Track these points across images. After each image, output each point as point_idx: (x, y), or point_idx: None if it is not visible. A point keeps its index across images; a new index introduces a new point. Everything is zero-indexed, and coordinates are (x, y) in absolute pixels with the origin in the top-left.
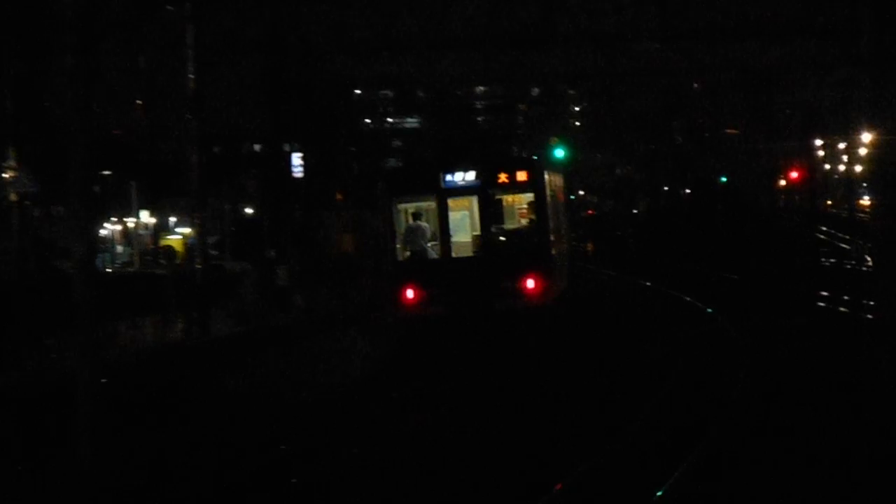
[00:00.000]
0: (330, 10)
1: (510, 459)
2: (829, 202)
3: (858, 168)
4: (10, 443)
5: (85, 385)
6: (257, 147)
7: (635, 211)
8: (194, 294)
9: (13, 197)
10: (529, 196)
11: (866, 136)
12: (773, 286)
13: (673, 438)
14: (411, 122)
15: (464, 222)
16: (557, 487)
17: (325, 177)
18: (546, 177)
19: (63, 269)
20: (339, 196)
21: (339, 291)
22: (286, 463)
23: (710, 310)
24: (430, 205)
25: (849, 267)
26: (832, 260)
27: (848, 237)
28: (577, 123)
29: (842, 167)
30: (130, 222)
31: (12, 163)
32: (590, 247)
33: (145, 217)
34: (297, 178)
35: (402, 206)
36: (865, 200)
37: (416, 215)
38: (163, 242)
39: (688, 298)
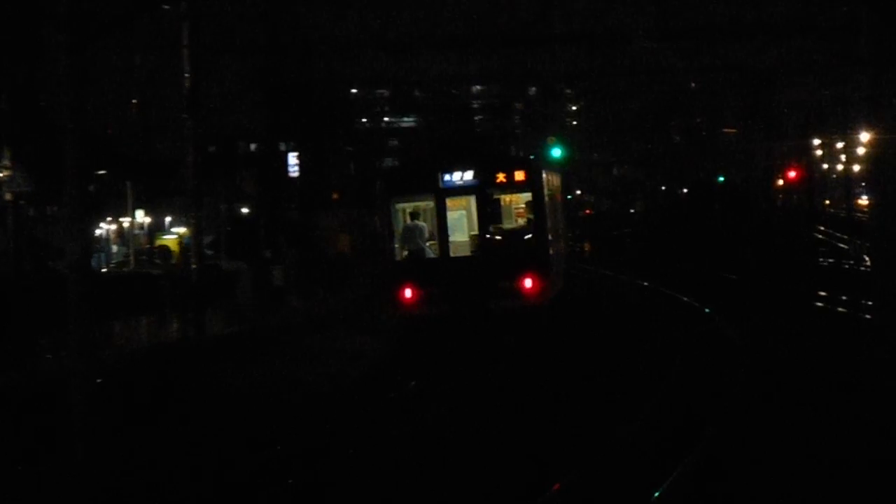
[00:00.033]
0: (326, 10)
1: (508, 460)
2: (828, 202)
3: (857, 167)
4: (5, 443)
5: (80, 385)
6: (253, 146)
7: (632, 210)
8: (190, 294)
9: (8, 196)
10: (527, 196)
11: (864, 136)
12: (771, 286)
13: (671, 439)
14: (408, 121)
15: (462, 222)
16: (555, 488)
17: (321, 176)
18: (544, 176)
19: (58, 269)
20: (335, 196)
21: (335, 291)
22: (282, 463)
23: (707, 310)
24: (427, 204)
25: (847, 267)
26: (830, 260)
27: (846, 237)
28: (574, 123)
29: (840, 167)
30: (126, 222)
31: (7, 162)
32: (587, 247)
33: (140, 217)
34: (294, 178)
35: (400, 206)
36: (863, 200)
37: (414, 215)
38: (158, 242)
39: (685, 298)
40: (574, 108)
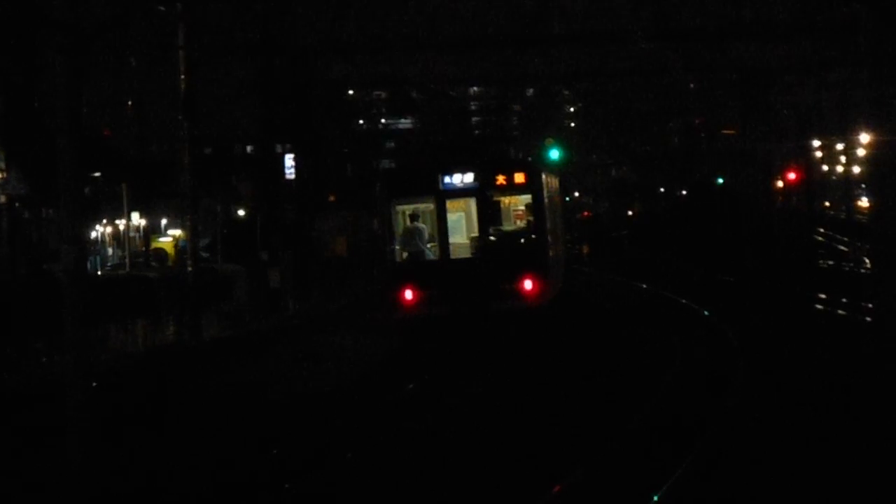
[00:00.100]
0: (323, 11)
1: (508, 461)
2: (828, 203)
3: (857, 169)
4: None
5: (75, 388)
6: (250, 148)
7: (630, 212)
8: (185, 297)
9: (3, 199)
10: (527, 198)
11: (865, 137)
12: (771, 288)
13: (670, 440)
14: (405, 123)
15: (461, 224)
16: (556, 489)
17: (318, 178)
18: (543, 178)
19: (53, 271)
20: (331, 198)
21: (332, 293)
22: (280, 467)
23: (706, 312)
24: (427, 206)
25: (847, 269)
26: (830, 262)
27: (846, 239)
28: (573, 124)
29: (840, 168)
30: (121, 224)
31: (1, 164)
32: (585, 249)
33: (136, 219)
34: (290, 180)
35: (400, 208)
36: (864, 202)
37: (414, 217)
38: (154, 245)
39: (684, 301)
40: (572, 109)
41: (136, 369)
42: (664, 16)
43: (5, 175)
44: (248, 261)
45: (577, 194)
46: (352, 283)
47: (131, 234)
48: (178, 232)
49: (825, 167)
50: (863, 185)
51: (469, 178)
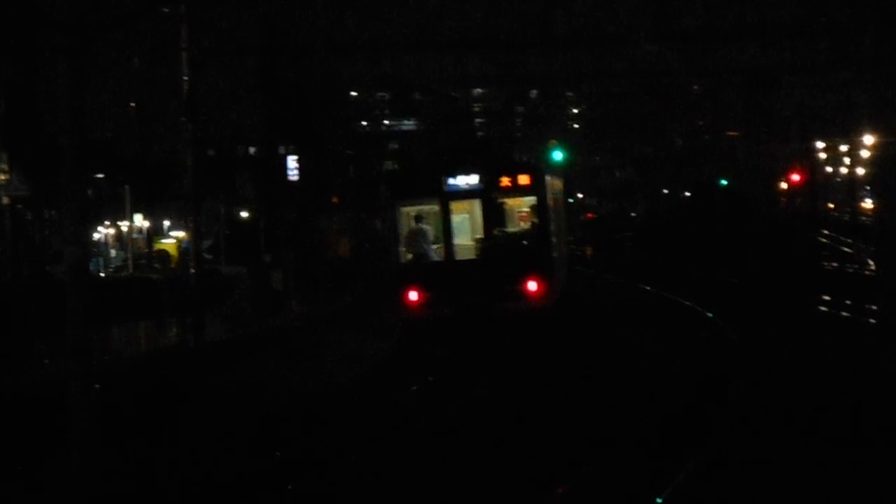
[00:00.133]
0: (325, 12)
1: (512, 462)
2: (831, 205)
3: (861, 171)
4: (2, 449)
5: (77, 390)
6: (252, 150)
7: (634, 214)
8: (188, 298)
9: (5, 200)
10: (531, 199)
11: (868, 139)
12: (775, 290)
13: (673, 442)
14: (408, 124)
15: (466, 225)
16: (559, 491)
17: (321, 179)
18: (547, 180)
19: (56, 273)
20: (334, 199)
21: (335, 295)
22: (283, 469)
23: (710, 314)
24: (432, 208)
25: (851, 271)
26: (834, 263)
27: (850, 241)
28: (576, 126)
29: (844, 170)
30: (124, 226)
31: (4, 165)
32: (589, 251)
33: (139, 220)
34: (293, 181)
35: (404, 209)
36: (868, 203)
37: (418, 218)
38: (157, 246)
39: (687, 303)
40: (575, 110)
41: (139, 371)
42: (667, 17)
43: (7, 176)
44: (250, 262)
45: (580, 196)
46: (355, 284)
47: (134, 235)
48: (180, 233)
49: (829, 168)
50: (867, 187)
51: (474, 179)
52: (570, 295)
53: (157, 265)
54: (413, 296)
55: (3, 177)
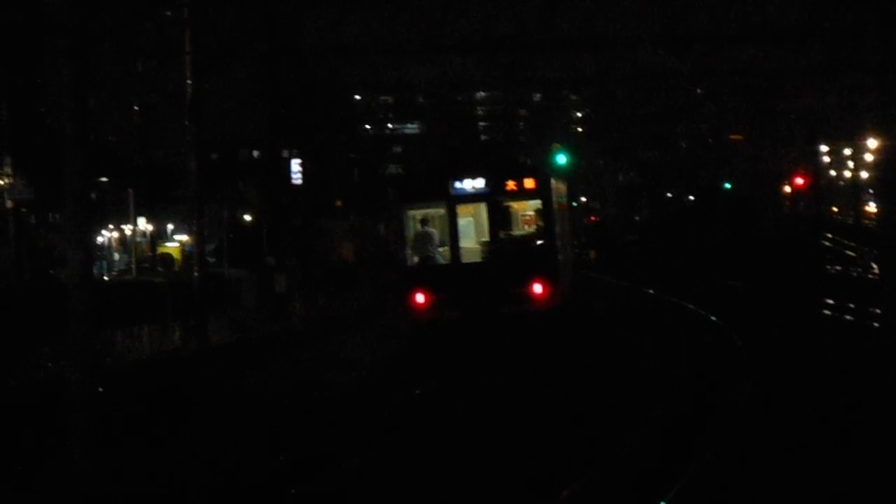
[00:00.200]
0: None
1: (516, 464)
2: (835, 209)
3: (864, 174)
4: (5, 452)
5: (80, 394)
6: (256, 153)
7: (637, 218)
8: (192, 302)
9: (9, 204)
10: (537, 203)
11: (872, 142)
12: (778, 294)
13: (677, 445)
14: (411, 127)
15: (472, 228)
16: (564, 493)
17: (325, 183)
18: (553, 184)
19: (60, 276)
20: (338, 203)
21: (338, 298)
22: (286, 472)
23: (713, 318)
24: (437, 211)
25: (855, 274)
26: (838, 267)
27: (854, 244)
28: (580, 129)
29: (847, 173)
30: (128, 229)
31: (8, 169)
32: (592, 254)
33: (143, 224)
34: (297, 185)
35: (411, 213)
36: (871, 207)
37: (424, 221)
38: (160, 250)
39: (691, 306)
40: (579, 114)
41: (142, 374)
42: (671, 21)
43: (11, 180)
44: (254, 266)
45: (584, 199)
46: (359, 288)
47: (138, 239)
48: (184, 237)
49: (833, 172)
50: (870, 191)
51: (480, 183)
52: (575, 298)
53: (160, 269)
54: (420, 298)
55: (6, 180)
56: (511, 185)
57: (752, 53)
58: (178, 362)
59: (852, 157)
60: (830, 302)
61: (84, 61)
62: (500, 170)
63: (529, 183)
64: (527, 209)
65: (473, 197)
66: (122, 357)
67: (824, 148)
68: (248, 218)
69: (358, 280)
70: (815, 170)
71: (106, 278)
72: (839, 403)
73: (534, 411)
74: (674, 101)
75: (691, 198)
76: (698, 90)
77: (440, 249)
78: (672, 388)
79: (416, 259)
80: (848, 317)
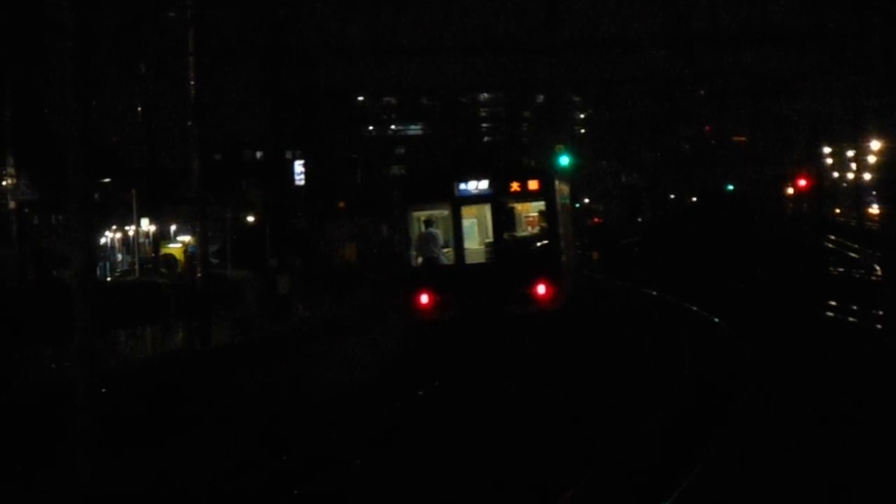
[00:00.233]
0: (332, 17)
1: (517, 464)
2: (838, 210)
3: (867, 176)
4: (7, 453)
5: (83, 395)
6: (259, 154)
7: (640, 219)
8: (195, 303)
9: (12, 205)
10: (540, 204)
11: (875, 144)
12: (781, 295)
13: (680, 447)
14: (414, 129)
15: (475, 229)
16: (567, 495)
17: (328, 184)
18: (556, 185)
19: (62, 277)
20: (341, 204)
21: (341, 299)
22: (288, 473)
23: (716, 319)
24: (441, 213)
25: (857, 276)
26: (840, 269)
27: (857, 246)
28: (583, 130)
29: (850, 175)
30: (131, 230)
31: (11, 170)
32: (595, 255)
33: (146, 225)
34: (299, 186)
35: (416, 214)
36: (874, 209)
37: (428, 223)
38: (163, 251)
39: (694, 308)
40: (582, 115)
41: (145, 375)
42: (674, 22)
43: (14, 181)
44: (257, 267)
45: (586, 200)
46: (361, 289)
47: (141, 239)
48: (187, 238)
49: (836, 174)
50: (873, 192)
51: (484, 184)
52: (578, 299)
53: (163, 269)
54: (424, 298)
55: (10, 181)
56: (515, 186)
57: (754, 55)
58: (181, 363)
59: (855, 159)
60: (833, 303)
61: (87, 62)
62: (504, 171)
63: (533, 184)
64: (530, 210)
65: (477, 198)
66: (124, 358)
67: (827, 149)
68: (250, 219)
69: (360, 281)
70: (817, 171)
71: (109, 279)
72: (840, 404)
73: (536, 412)
74: (676, 103)
75: (693, 199)
76: (701, 91)
77: (444, 250)
78: (673, 388)
79: (420, 260)
80: (850, 318)
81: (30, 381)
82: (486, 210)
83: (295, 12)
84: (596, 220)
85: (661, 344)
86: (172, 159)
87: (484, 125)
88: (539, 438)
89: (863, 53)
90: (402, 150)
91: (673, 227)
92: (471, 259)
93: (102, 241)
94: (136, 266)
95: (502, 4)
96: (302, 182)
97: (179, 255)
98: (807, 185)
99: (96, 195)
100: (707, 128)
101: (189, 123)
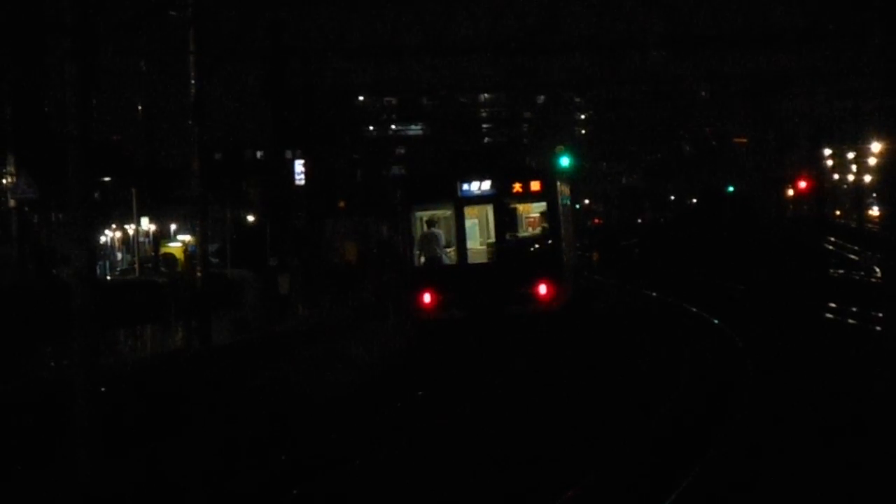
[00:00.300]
0: (332, 17)
1: (518, 465)
2: (838, 212)
3: (868, 178)
4: (7, 452)
5: (82, 394)
6: (259, 154)
7: (640, 220)
8: (195, 302)
9: (12, 203)
10: (541, 205)
11: (876, 146)
12: (781, 297)
13: (680, 448)
14: (415, 129)
15: (477, 230)
16: (568, 494)
17: (328, 184)
18: (558, 186)
19: (62, 276)
20: (341, 204)
21: (341, 300)
22: (288, 474)
23: (715, 321)
24: (444, 213)
25: (857, 278)
26: (841, 271)
27: (857, 248)
28: (583, 132)
29: (851, 177)
30: (131, 229)
31: (11, 169)
32: (595, 256)
33: (146, 224)
34: (300, 186)
35: (418, 214)
36: (875, 211)
37: (430, 223)
38: (163, 250)
39: (694, 309)
40: (583, 116)
41: (144, 374)
42: (676, 23)
43: (14, 179)
44: (257, 267)
45: (587, 202)
46: (362, 289)
47: (141, 239)
48: (187, 237)
49: (836, 176)
50: (874, 194)
51: (486, 185)
52: (579, 299)
53: (163, 269)
54: (426, 298)
55: (10, 180)
56: (517, 187)
57: (755, 56)
58: (181, 363)
59: (855, 161)
60: (833, 305)
61: (88, 61)
62: (507, 172)
63: (535, 185)
64: (532, 211)
65: (480, 198)
66: (124, 357)
67: (828, 151)
68: (251, 218)
69: (361, 281)
70: (818, 173)
71: (109, 278)
72: (839, 405)
73: (536, 412)
74: (677, 104)
75: (694, 200)
76: (702, 93)
77: (447, 250)
78: (674, 390)
79: (422, 260)
80: (850, 320)
81: (29, 380)
82: (489, 210)
83: (296, 12)
84: (596, 221)
85: (661, 345)
86: (172, 159)
87: (484, 126)
88: (540, 438)
89: (864, 55)
90: (402, 150)
91: (673, 228)
92: (473, 259)
93: (102, 239)
94: (136, 265)
95: (503, 5)
96: (302, 182)
97: (179, 255)
98: (807, 186)
99: (96, 194)
100: (708, 129)
101: (189, 123)
